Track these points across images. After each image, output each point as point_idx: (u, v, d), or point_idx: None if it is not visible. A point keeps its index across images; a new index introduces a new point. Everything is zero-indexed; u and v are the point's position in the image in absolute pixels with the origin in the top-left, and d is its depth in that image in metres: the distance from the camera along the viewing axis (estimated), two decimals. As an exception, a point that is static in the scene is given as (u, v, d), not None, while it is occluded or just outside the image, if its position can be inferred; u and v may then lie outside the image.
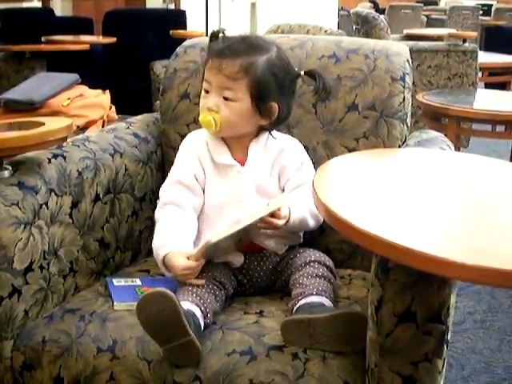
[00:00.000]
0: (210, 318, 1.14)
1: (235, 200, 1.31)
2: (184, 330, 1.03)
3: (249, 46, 1.29)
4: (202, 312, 1.12)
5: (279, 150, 1.34)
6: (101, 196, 1.38)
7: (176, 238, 1.25)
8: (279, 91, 1.30)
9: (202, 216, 1.33)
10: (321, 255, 1.28)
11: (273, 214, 1.21)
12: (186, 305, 1.11)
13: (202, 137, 1.37)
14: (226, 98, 1.27)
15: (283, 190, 1.34)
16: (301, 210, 1.27)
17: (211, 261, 1.25)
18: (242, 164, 1.32)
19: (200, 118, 1.30)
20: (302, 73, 1.35)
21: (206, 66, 1.31)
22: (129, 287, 1.29)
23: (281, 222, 1.22)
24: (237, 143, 1.34)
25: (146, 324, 1.05)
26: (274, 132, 1.36)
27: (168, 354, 1.07)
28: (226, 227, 1.20)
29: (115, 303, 1.22)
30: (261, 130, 1.34)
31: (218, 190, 1.32)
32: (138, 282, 1.32)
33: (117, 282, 1.32)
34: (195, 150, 1.36)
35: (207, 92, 1.30)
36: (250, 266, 1.29)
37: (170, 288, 1.08)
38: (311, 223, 1.30)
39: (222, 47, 1.28)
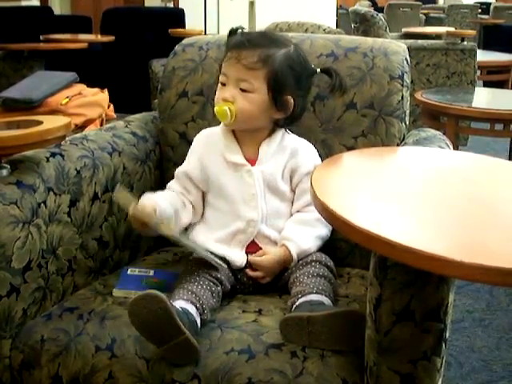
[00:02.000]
0: (207, 315, 1.14)
1: (246, 199, 1.31)
2: (178, 329, 1.03)
3: (268, 39, 1.31)
4: (198, 309, 1.12)
5: (293, 151, 1.34)
6: (99, 195, 1.37)
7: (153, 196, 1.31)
8: (296, 85, 1.31)
9: (215, 212, 1.35)
10: (321, 255, 1.28)
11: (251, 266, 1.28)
12: (180, 303, 1.11)
13: (214, 135, 1.37)
14: (242, 90, 1.27)
15: (294, 192, 1.35)
16: (304, 243, 1.28)
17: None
18: (253, 163, 1.33)
19: (216, 109, 1.29)
20: (318, 70, 1.36)
21: (223, 59, 1.31)
22: (138, 277, 1.31)
23: (260, 274, 1.28)
24: (249, 141, 1.34)
25: (139, 327, 1.06)
26: (291, 134, 1.37)
27: (166, 354, 1.07)
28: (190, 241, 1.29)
29: (114, 289, 1.24)
30: (275, 127, 1.35)
31: (228, 187, 1.32)
32: (151, 273, 1.34)
33: (131, 271, 1.34)
34: (200, 149, 1.37)
35: (223, 85, 1.30)
36: (251, 264, 1.29)
37: None
38: (319, 245, 1.31)
39: (242, 39, 1.30)
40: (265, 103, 1.28)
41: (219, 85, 1.31)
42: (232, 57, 1.28)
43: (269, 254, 1.28)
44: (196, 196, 1.36)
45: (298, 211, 1.33)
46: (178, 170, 1.38)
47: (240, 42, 1.29)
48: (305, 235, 1.29)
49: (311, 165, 1.33)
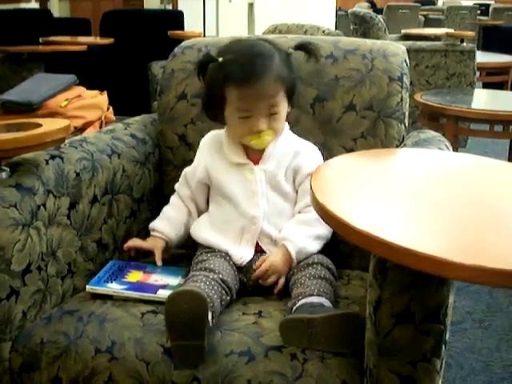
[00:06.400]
0: (213, 322, 1.14)
1: (248, 196, 1.33)
2: (202, 334, 1.05)
3: (262, 57, 1.29)
4: (211, 315, 1.12)
5: (297, 151, 1.36)
6: (98, 197, 1.37)
7: (162, 227, 1.41)
8: (292, 75, 1.36)
9: (219, 211, 1.36)
10: (323, 257, 1.28)
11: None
12: None
13: (218, 138, 1.39)
14: (272, 113, 1.30)
15: (297, 192, 1.36)
16: (301, 242, 1.29)
17: (218, 258, 1.27)
18: (257, 163, 1.34)
19: (257, 143, 1.31)
20: (291, 50, 1.39)
21: (230, 93, 1.29)
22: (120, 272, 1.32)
23: (274, 278, 1.28)
24: None
25: (170, 316, 1.06)
26: (295, 136, 1.40)
27: (175, 350, 1.07)
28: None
29: (87, 286, 1.26)
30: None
31: (231, 186, 1.34)
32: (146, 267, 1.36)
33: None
34: (205, 151, 1.41)
35: (247, 117, 1.29)
36: (252, 264, 1.30)
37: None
38: (318, 245, 1.31)
39: (244, 74, 1.26)
40: (286, 111, 1.34)
41: (241, 119, 1.30)
42: (251, 95, 1.27)
43: (268, 257, 1.29)
44: (204, 194, 1.40)
45: (299, 212, 1.34)
46: (186, 170, 1.43)
47: (246, 78, 1.26)
48: (302, 234, 1.29)
49: (314, 166, 1.32)
